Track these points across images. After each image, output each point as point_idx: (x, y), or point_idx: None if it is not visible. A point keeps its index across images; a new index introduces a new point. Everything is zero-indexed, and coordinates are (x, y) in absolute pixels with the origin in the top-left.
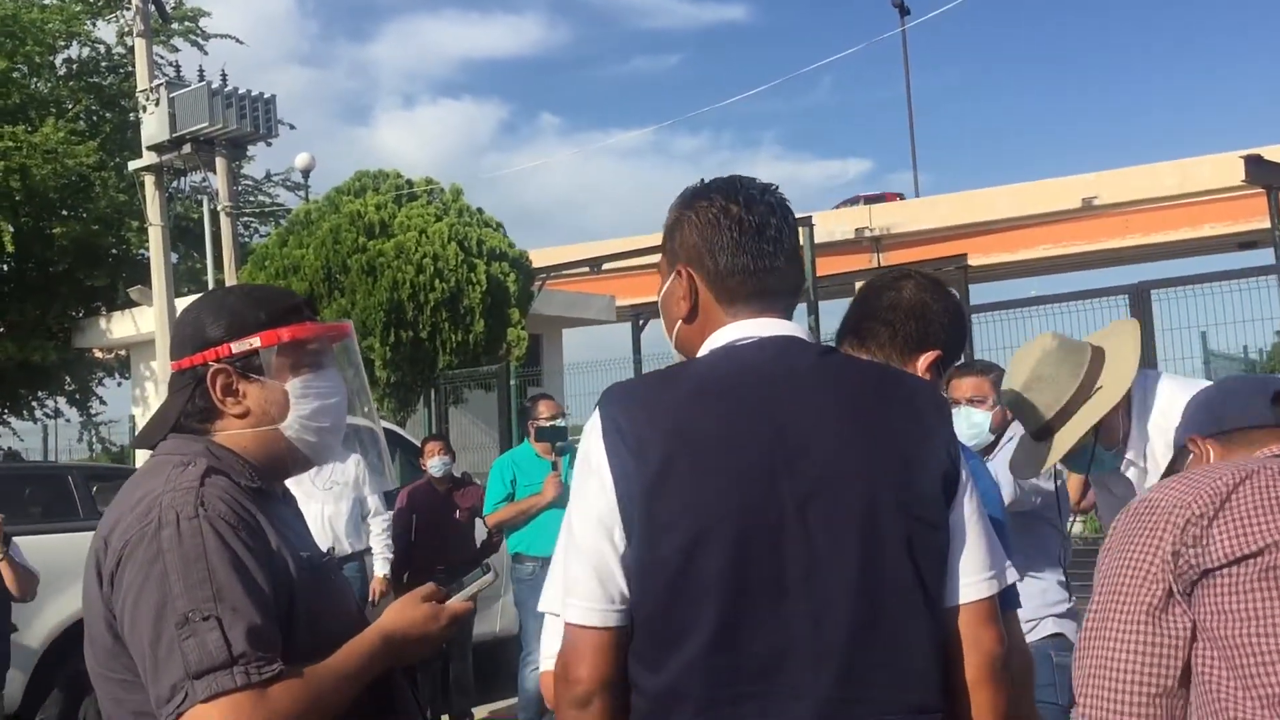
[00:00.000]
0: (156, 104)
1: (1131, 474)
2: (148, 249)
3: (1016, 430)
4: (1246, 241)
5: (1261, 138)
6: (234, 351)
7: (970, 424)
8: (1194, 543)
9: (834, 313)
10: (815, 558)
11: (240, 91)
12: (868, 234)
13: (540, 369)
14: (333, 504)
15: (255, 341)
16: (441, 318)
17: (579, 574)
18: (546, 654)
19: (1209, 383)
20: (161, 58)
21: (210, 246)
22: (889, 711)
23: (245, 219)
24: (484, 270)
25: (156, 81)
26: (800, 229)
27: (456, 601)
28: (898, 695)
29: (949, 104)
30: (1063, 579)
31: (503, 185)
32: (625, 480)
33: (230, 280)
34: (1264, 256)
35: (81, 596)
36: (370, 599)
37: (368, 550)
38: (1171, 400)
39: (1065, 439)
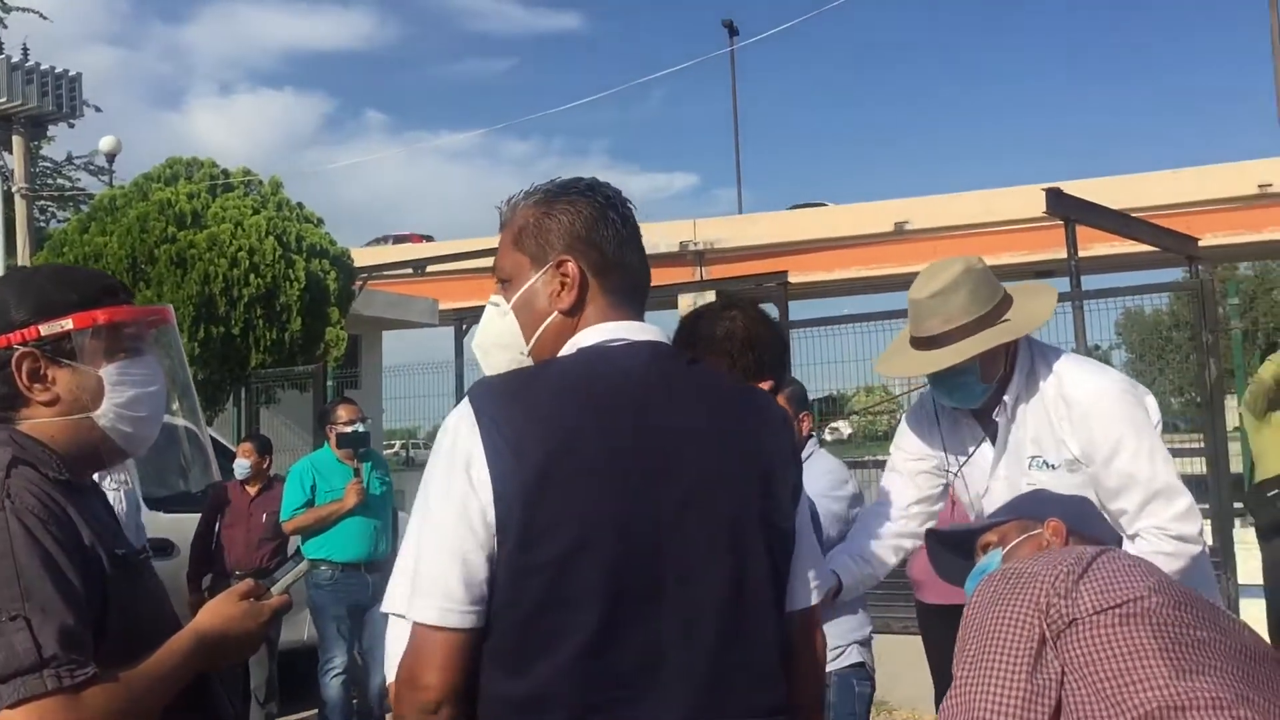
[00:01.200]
0: None
1: (1000, 420)
2: None
3: (813, 448)
4: (1042, 270)
5: (1060, 172)
6: (42, 334)
7: None
8: (1064, 595)
9: (657, 323)
10: (690, 564)
11: (43, 68)
12: (691, 248)
13: (358, 370)
14: (122, 500)
15: (67, 324)
16: (256, 314)
17: (438, 571)
18: (395, 663)
19: (1111, 368)
20: None
21: (2, 230)
22: (749, 714)
23: (43, 202)
24: (303, 267)
25: None
26: None
27: (273, 595)
28: (756, 698)
29: (774, 124)
30: (864, 605)
31: (325, 181)
32: (504, 479)
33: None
34: (1059, 285)
35: None
36: None
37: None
38: (1073, 372)
39: (960, 351)
